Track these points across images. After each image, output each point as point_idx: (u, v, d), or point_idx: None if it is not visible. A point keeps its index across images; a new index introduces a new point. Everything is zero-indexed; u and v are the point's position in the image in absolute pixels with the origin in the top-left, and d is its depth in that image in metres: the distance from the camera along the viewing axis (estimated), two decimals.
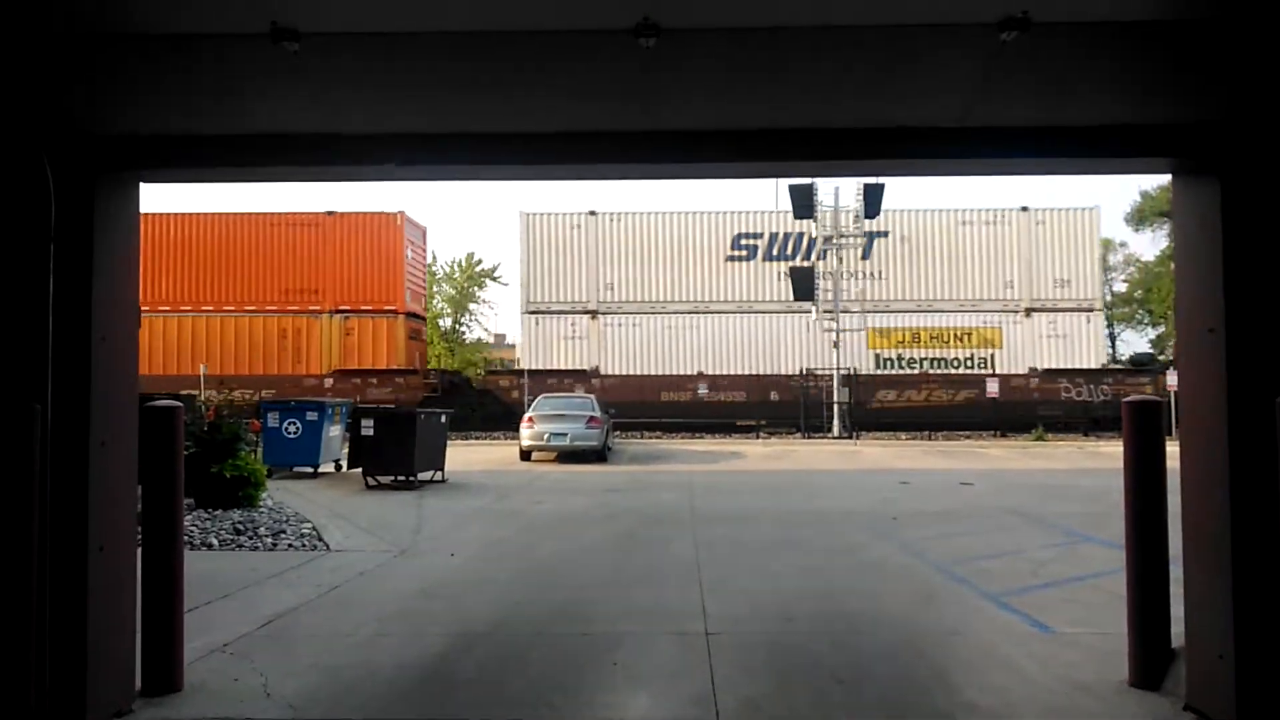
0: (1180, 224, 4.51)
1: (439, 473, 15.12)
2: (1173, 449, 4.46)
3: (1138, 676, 4.74)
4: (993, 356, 29.47)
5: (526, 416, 19.83)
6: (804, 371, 28.59)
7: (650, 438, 26.87)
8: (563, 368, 29.62)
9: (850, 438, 26.45)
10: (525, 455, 19.64)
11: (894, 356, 29.78)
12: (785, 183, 28.58)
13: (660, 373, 29.46)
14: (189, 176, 4.88)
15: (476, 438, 26.47)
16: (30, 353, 3.94)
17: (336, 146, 4.35)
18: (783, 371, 29.10)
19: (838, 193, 28.64)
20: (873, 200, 26.58)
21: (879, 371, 29.38)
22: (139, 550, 4.63)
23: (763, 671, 5.07)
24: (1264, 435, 3.90)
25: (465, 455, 19.87)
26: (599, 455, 19.55)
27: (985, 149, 4.31)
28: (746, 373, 29.27)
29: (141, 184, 4.63)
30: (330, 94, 4.13)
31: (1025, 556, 8.53)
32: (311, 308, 29.42)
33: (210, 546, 8.86)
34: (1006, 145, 4.29)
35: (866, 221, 28.41)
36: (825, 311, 28.23)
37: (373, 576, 7.64)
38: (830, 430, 27.38)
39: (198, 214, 30.16)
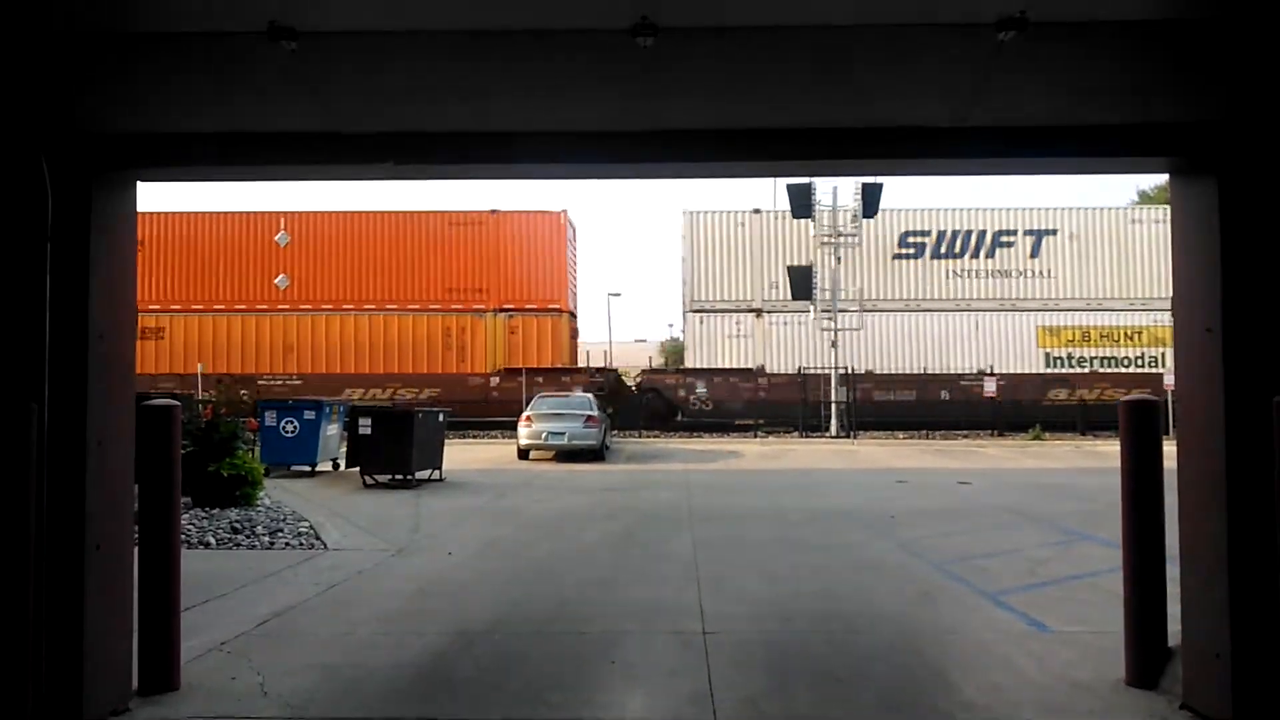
0: (1178, 224, 4.52)
1: (436, 471, 15.11)
2: (1170, 449, 4.47)
3: (1134, 675, 4.75)
4: (1163, 355, 28.87)
5: (524, 415, 19.81)
6: (802, 371, 28.57)
7: (648, 436, 26.86)
8: (727, 366, 29.10)
9: (848, 437, 26.46)
10: (523, 454, 19.62)
11: (1064, 355, 29.31)
12: (784, 182, 28.55)
13: (826, 371, 28.60)
14: (187, 175, 4.88)
15: (474, 436, 26.45)
16: (27, 352, 3.94)
17: (334, 145, 4.34)
18: (953, 370, 28.42)
19: (835, 192, 28.64)
20: (871, 200, 26.56)
21: (1048, 370, 28.90)
22: (136, 549, 4.62)
23: (760, 670, 5.07)
24: (1261, 435, 3.91)
25: (463, 454, 19.86)
26: (597, 454, 19.54)
27: (984, 148, 4.31)
28: (915, 372, 28.59)
29: (139, 183, 4.63)
30: (328, 93, 4.12)
31: (1022, 555, 8.54)
32: (476, 306, 29.37)
33: (208, 545, 8.85)
34: (1005, 145, 4.29)
35: (1033, 218, 28.46)
36: (823, 311, 28.22)
37: (370, 575, 7.64)
38: (828, 429, 27.39)
39: (363, 212, 30.26)
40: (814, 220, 28.28)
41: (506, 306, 29.39)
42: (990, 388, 27.40)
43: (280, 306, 29.33)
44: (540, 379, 27.74)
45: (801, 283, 27.65)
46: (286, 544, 8.96)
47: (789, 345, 29.32)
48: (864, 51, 3.93)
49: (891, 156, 4.43)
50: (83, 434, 4.09)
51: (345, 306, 29.41)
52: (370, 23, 3.84)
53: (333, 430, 16.25)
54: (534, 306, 29.42)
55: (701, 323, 29.79)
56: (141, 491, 4.69)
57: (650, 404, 28.43)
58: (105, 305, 4.24)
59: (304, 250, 29.58)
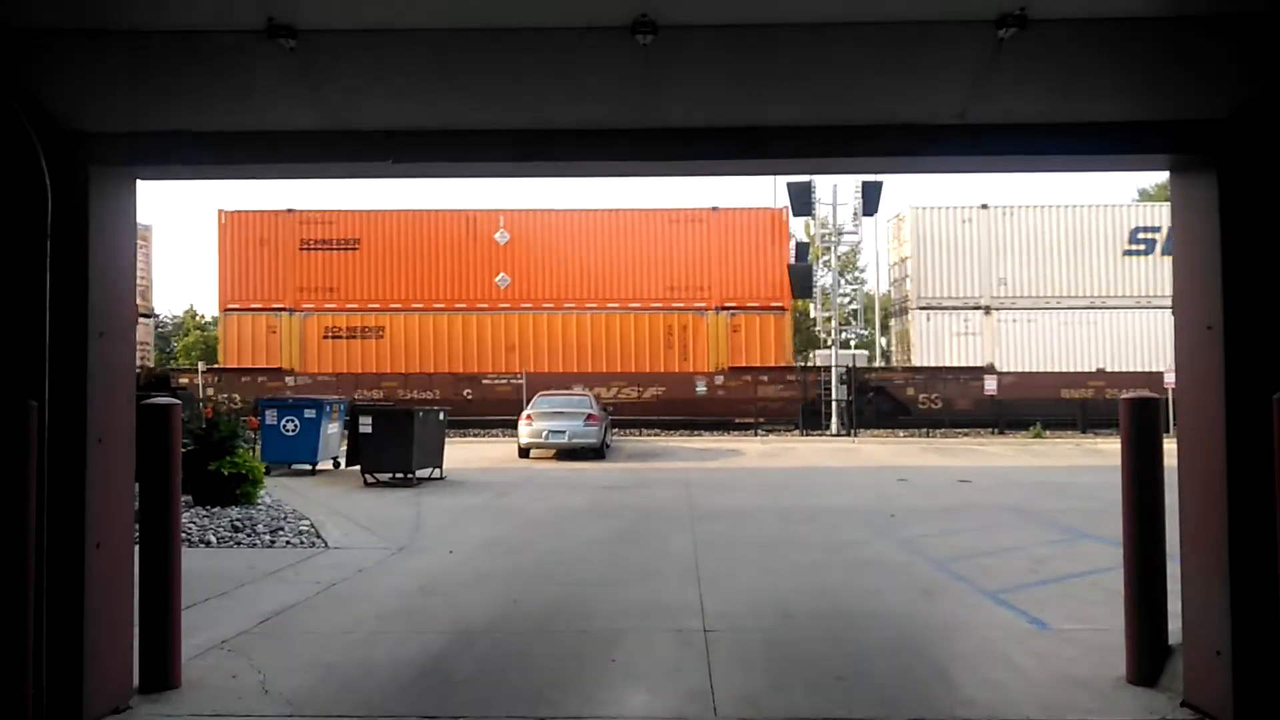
0: (1178, 221, 4.52)
1: (437, 470, 15.12)
2: (1170, 446, 4.47)
3: (1135, 673, 4.74)
4: None
5: (525, 414, 19.82)
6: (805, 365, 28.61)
7: (648, 435, 26.87)
8: (955, 364, 28.91)
9: (849, 435, 26.47)
10: (524, 453, 19.63)
11: None
12: (784, 180, 28.59)
13: (1058, 369, 28.58)
14: (185, 173, 4.87)
15: (475, 434, 26.46)
16: (27, 349, 3.94)
17: (333, 142, 4.34)
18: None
19: (836, 190, 28.65)
20: (871, 198, 26.60)
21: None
22: (136, 547, 4.62)
23: (761, 668, 5.07)
24: (1261, 432, 3.90)
25: (464, 453, 19.87)
26: (597, 453, 19.54)
27: (986, 145, 4.30)
28: (1147, 370, 28.07)
29: (140, 180, 4.63)
30: (326, 90, 4.12)
31: (1023, 553, 8.54)
32: (697, 305, 29.34)
33: (208, 544, 8.85)
34: (1006, 142, 4.29)
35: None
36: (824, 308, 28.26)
37: (371, 574, 7.64)
38: (828, 428, 27.42)
39: (582, 210, 30.44)
40: (814, 217, 28.32)
41: (728, 304, 29.33)
42: (991, 386, 27.40)
43: (501, 305, 29.47)
44: (765, 378, 27.90)
45: (802, 282, 27.68)
46: (287, 542, 8.96)
47: (1019, 343, 28.91)
48: (865, 48, 3.93)
49: (893, 154, 4.41)
50: (83, 431, 4.09)
51: (566, 304, 29.43)
52: (369, 20, 3.83)
53: (333, 429, 16.26)
54: (755, 304, 29.31)
55: (928, 320, 29.45)
56: (142, 490, 4.69)
57: (878, 403, 28.15)
58: (105, 302, 4.24)
59: (524, 248, 29.70)
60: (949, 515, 11.09)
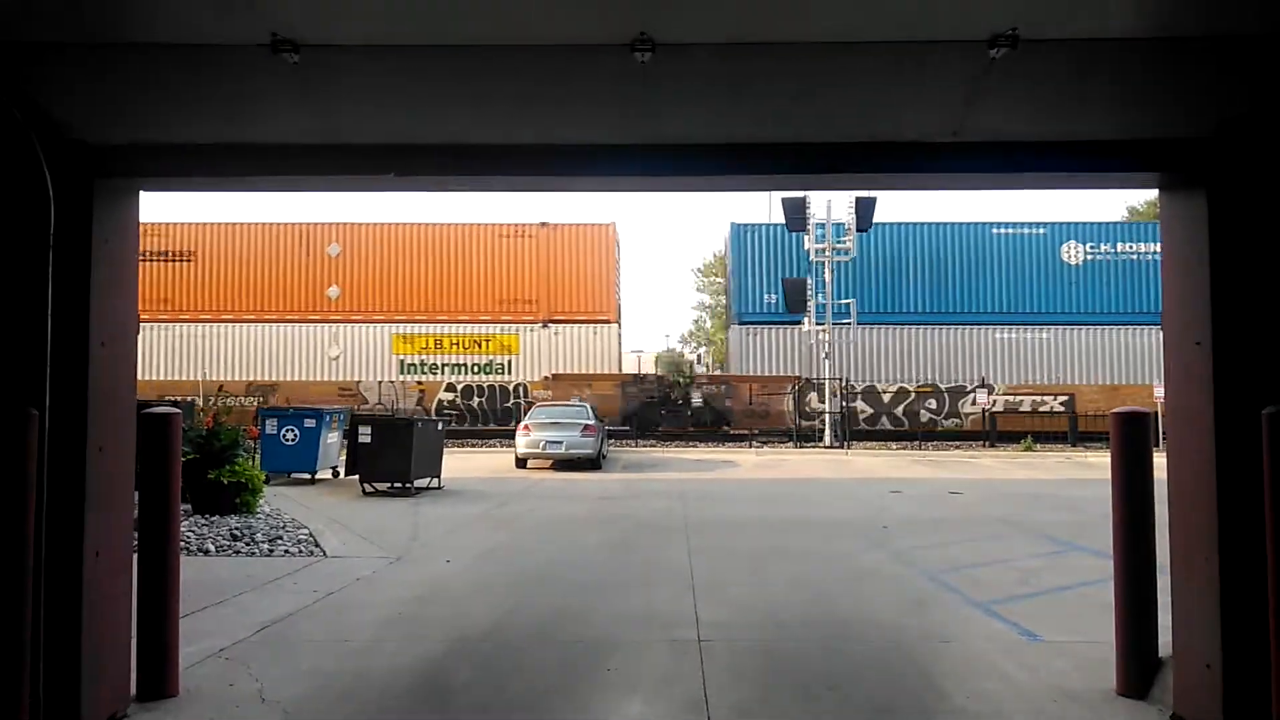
0: (1168, 238, 4.57)
1: (435, 480, 15.13)
2: (1160, 460, 4.52)
3: (1125, 685, 4.78)
4: None
5: (522, 425, 19.87)
6: (801, 379, 28.67)
7: (644, 446, 26.88)
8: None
9: (841, 447, 26.51)
10: (521, 463, 19.64)
11: None
12: (779, 195, 28.66)
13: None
14: (189, 185, 4.92)
15: (473, 445, 26.45)
16: (29, 358, 3.97)
17: (335, 157, 4.39)
18: None
19: (830, 206, 28.73)
20: (864, 214, 26.71)
21: None
22: (135, 556, 4.65)
23: (754, 678, 5.11)
24: (1251, 446, 3.95)
25: (462, 463, 19.88)
26: (594, 463, 19.56)
27: (977, 164, 4.37)
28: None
29: (143, 192, 4.68)
30: (330, 105, 4.17)
31: (1014, 565, 8.58)
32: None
33: (207, 552, 8.87)
34: (999, 159, 4.35)
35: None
36: (817, 324, 28.31)
37: (369, 582, 7.66)
38: (821, 440, 27.46)
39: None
40: (807, 233, 28.38)
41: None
42: (982, 398, 27.50)
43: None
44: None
45: (795, 296, 27.75)
46: (286, 551, 8.98)
47: None
48: (861, 67, 3.99)
49: (887, 170, 4.47)
50: (83, 440, 4.12)
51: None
52: (373, 37, 3.88)
53: (332, 438, 16.28)
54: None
55: None
56: (141, 498, 4.72)
57: None
58: (107, 312, 4.28)
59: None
60: (941, 527, 11.12)
